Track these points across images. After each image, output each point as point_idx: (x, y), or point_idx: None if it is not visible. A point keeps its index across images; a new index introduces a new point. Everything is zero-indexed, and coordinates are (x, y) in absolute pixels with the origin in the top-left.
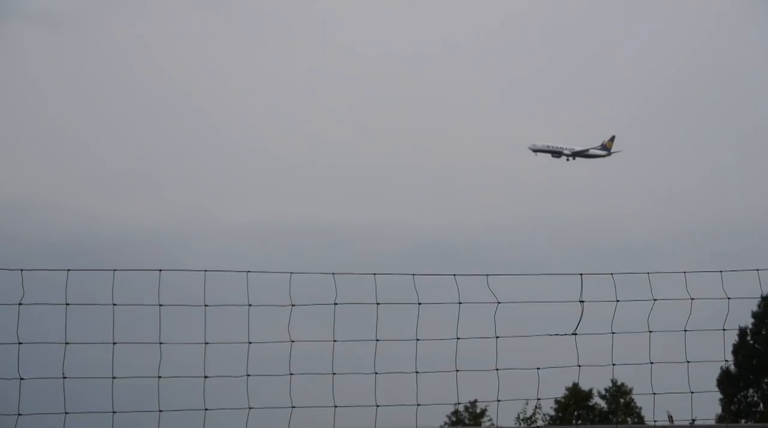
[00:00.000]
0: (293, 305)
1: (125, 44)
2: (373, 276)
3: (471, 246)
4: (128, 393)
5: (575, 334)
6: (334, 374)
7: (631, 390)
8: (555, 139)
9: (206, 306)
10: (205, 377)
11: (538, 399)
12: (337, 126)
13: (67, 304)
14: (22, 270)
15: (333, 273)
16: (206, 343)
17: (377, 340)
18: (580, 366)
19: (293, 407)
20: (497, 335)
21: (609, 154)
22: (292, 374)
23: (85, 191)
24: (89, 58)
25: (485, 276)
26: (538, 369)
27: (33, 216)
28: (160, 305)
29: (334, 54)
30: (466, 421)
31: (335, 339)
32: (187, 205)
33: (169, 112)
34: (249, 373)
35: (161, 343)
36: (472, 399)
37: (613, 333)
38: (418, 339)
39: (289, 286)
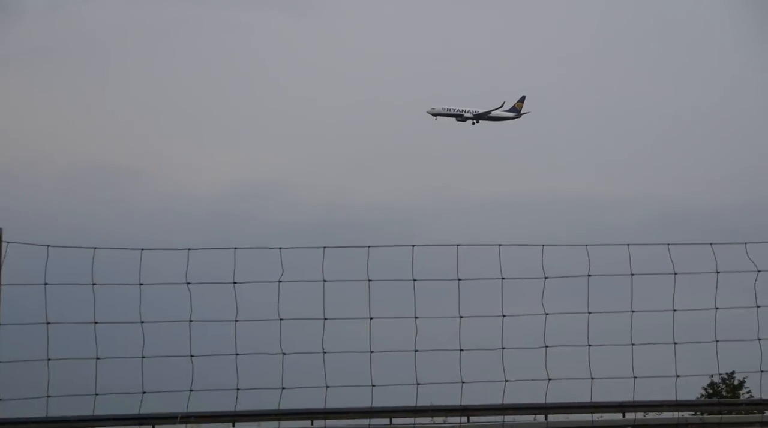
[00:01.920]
0: (546, 277)
1: (366, 25)
2: (626, 246)
3: (722, 215)
4: (386, 365)
5: None
6: (589, 346)
7: None
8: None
9: (459, 280)
10: (461, 351)
11: None
12: (581, 98)
13: (325, 281)
14: (281, 248)
15: (586, 246)
16: (461, 317)
17: (632, 311)
18: None
19: (550, 379)
20: (758, 304)
21: (519, 115)
22: (547, 347)
23: (336, 171)
24: (329, 40)
25: (743, 245)
26: None
27: (286, 197)
28: (414, 280)
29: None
30: (724, 393)
31: (590, 311)
32: (431, 182)
33: (410, 92)
34: (504, 346)
35: (416, 317)
36: (729, 371)
37: None
38: (675, 310)
39: (541, 259)
